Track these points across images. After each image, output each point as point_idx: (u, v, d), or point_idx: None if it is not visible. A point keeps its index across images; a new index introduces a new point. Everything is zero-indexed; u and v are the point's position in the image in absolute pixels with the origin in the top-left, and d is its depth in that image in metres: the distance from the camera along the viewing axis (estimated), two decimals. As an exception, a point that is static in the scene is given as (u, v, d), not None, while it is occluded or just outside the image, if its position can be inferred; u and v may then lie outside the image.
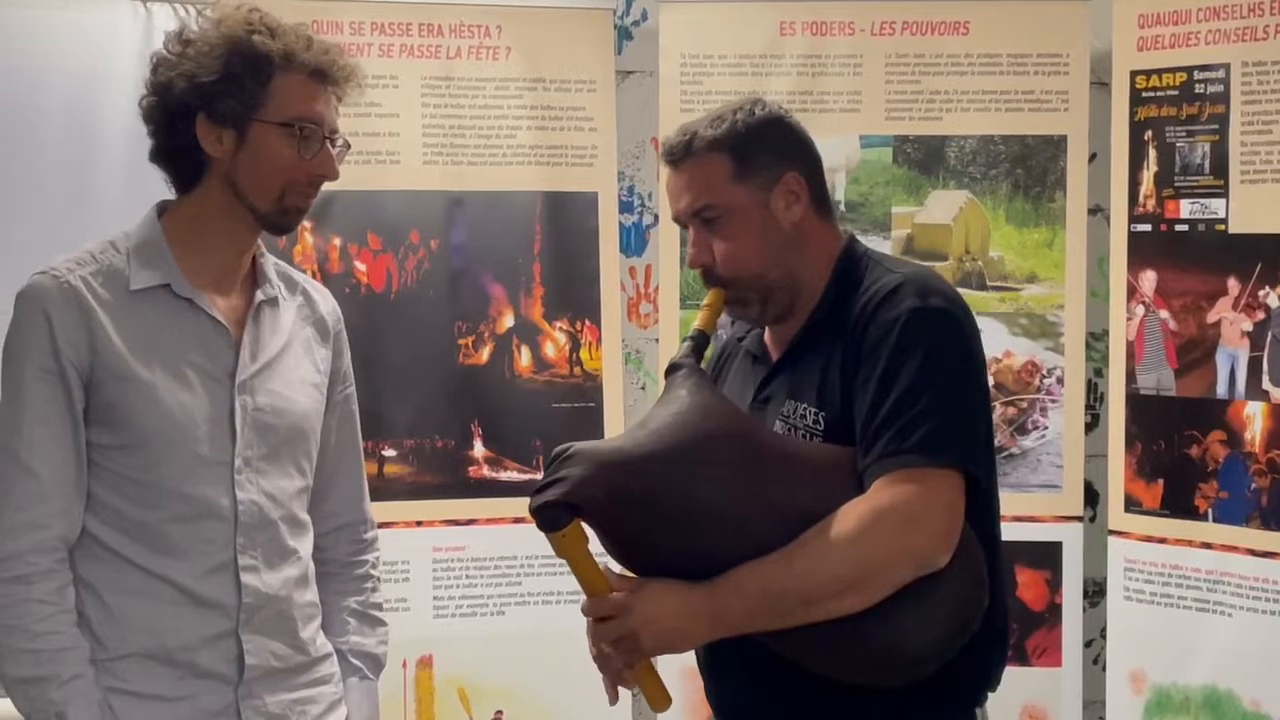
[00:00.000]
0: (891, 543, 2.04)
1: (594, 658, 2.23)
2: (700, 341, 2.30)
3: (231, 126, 2.20)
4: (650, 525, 2.09)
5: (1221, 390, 3.52)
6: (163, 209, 2.29)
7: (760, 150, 2.26)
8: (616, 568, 2.22)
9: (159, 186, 2.32)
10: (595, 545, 2.15)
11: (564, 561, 2.15)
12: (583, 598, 2.20)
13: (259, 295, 2.31)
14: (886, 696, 2.12)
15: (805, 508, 2.08)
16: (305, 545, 2.35)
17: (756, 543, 2.08)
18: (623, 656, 2.17)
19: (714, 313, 2.32)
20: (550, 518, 2.08)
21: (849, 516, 2.05)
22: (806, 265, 2.27)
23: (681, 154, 2.27)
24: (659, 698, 2.20)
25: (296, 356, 2.35)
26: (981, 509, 2.16)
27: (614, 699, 2.22)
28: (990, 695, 2.28)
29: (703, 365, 2.33)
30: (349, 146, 2.32)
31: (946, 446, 2.07)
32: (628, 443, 2.13)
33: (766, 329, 2.36)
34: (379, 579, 2.52)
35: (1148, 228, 3.62)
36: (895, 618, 2.05)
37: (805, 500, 2.09)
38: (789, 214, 2.25)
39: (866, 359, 2.13)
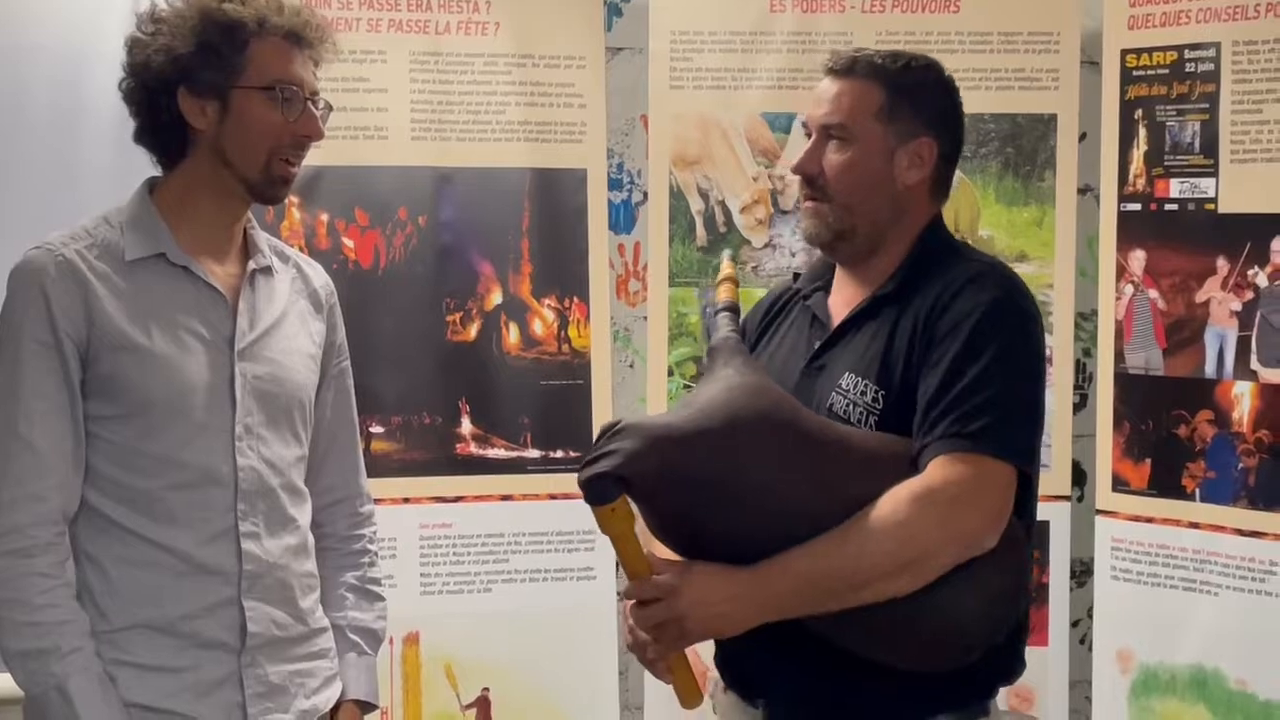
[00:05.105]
0: (941, 522, 2.07)
1: (629, 646, 2.25)
2: (735, 312, 2.35)
3: (213, 97, 2.24)
4: (698, 503, 2.10)
5: (1210, 370, 3.55)
6: (152, 185, 2.33)
7: (915, 103, 2.29)
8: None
9: (147, 163, 2.36)
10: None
11: (607, 539, 2.14)
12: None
13: (252, 264, 2.34)
14: (921, 680, 2.15)
15: (853, 492, 2.10)
16: (304, 515, 2.38)
17: (804, 525, 2.09)
18: (663, 643, 2.17)
19: (734, 284, 2.39)
20: (600, 490, 2.07)
21: (900, 496, 2.08)
22: (896, 230, 2.30)
23: (845, 68, 2.30)
24: (691, 692, 2.22)
25: (293, 327, 2.39)
26: (1029, 506, 2.21)
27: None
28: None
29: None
30: (330, 108, 2.36)
31: (1007, 440, 2.12)
32: (677, 419, 2.13)
33: (833, 292, 2.37)
34: (377, 554, 2.56)
35: (1137, 207, 3.65)
36: (949, 603, 2.09)
37: (853, 484, 2.11)
38: (907, 174, 2.29)
39: (940, 341, 2.16)
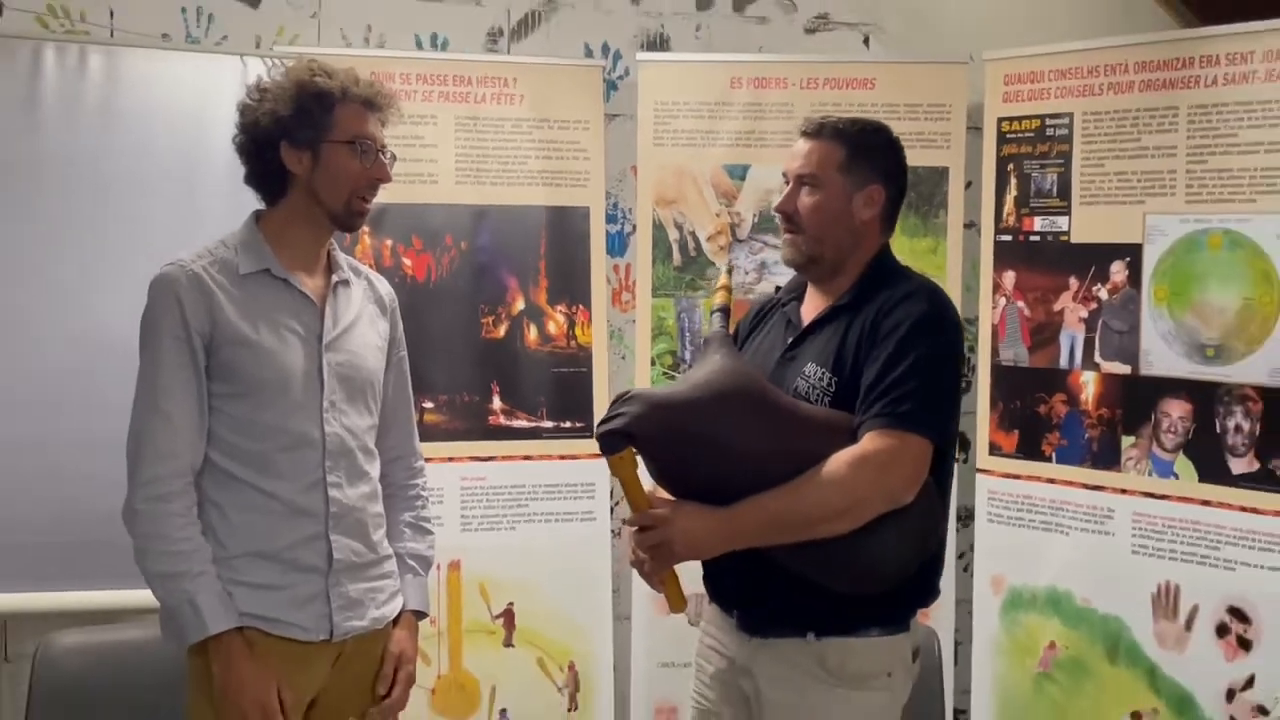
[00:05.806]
0: (872, 480, 2.08)
1: (631, 563, 2.25)
2: (726, 313, 2.34)
3: (307, 149, 2.24)
4: (687, 456, 2.11)
5: (1064, 362, 3.55)
6: (258, 216, 2.33)
7: (869, 159, 2.28)
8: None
9: (252, 199, 2.35)
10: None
11: (617, 480, 2.16)
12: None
13: (334, 277, 2.34)
14: (858, 600, 2.16)
15: (808, 452, 2.11)
16: (375, 469, 2.38)
17: (768, 476, 2.10)
18: (656, 561, 2.17)
19: (728, 291, 2.38)
20: (611, 443, 2.10)
21: (842, 459, 2.09)
22: (853, 256, 2.29)
23: (815, 131, 2.30)
24: (677, 600, 2.23)
25: (365, 325, 2.38)
26: (944, 471, 2.21)
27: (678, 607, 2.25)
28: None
29: (732, 324, 2.38)
30: (395, 158, 2.35)
31: (925, 420, 2.12)
32: (673, 391, 2.15)
33: (805, 302, 2.37)
34: (427, 499, 2.55)
35: (1009, 238, 3.65)
36: (876, 542, 2.10)
37: (807, 447, 2.11)
38: (861, 212, 2.27)
39: (880, 342, 2.15)
